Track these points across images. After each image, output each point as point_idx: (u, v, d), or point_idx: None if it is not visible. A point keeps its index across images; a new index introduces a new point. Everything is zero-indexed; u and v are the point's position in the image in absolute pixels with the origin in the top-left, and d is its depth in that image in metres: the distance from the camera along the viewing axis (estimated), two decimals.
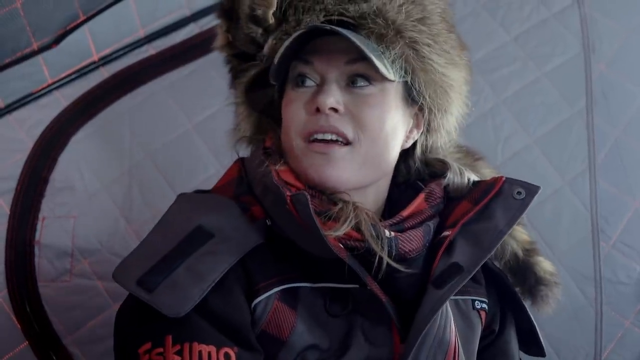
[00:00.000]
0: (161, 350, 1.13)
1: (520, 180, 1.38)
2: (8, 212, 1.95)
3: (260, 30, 1.36)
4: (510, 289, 1.53)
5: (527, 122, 2.21)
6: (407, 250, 1.29)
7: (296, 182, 1.30)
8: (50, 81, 2.00)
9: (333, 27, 1.24)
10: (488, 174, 1.54)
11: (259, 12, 1.34)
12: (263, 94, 1.44)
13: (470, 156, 1.59)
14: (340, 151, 1.28)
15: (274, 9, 1.34)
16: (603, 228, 2.14)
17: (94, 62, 2.05)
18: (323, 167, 1.28)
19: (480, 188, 1.41)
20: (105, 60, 2.06)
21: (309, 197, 1.21)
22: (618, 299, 2.11)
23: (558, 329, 2.08)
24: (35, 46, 1.94)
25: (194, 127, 2.09)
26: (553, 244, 2.12)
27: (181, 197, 1.39)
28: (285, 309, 1.24)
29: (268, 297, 1.24)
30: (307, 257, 1.27)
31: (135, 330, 1.18)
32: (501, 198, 1.36)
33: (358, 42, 1.22)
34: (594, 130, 2.18)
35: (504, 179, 1.39)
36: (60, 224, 1.99)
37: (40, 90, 2.00)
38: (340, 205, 1.27)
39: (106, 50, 2.06)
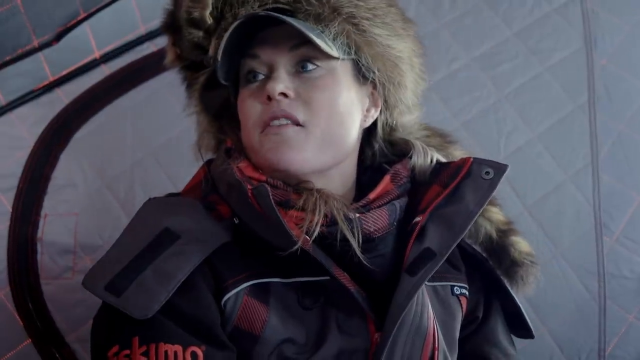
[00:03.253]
0: (128, 352, 1.14)
1: (488, 160, 1.38)
2: (10, 210, 1.95)
3: (201, 34, 1.38)
4: (492, 273, 1.53)
5: (530, 117, 2.20)
6: (371, 230, 1.29)
7: (258, 175, 1.32)
8: (51, 78, 2.00)
9: (269, 13, 1.25)
10: (460, 156, 1.52)
11: (196, 14, 1.35)
12: (217, 95, 1.45)
13: (439, 137, 1.57)
14: (293, 130, 1.28)
15: (210, 9, 1.36)
16: (606, 222, 2.14)
17: (95, 59, 2.05)
18: (278, 148, 1.28)
19: (449, 171, 1.40)
20: (107, 58, 2.06)
21: (269, 188, 1.22)
22: (621, 293, 2.10)
23: (561, 324, 2.09)
24: (35, 43, 1.93)
25: (195, 124, 2.08)
26: (556, 238, 2.12)
27: (149, 201, 1.39)
28: (256, 304, 1.24)
29: (237, 293, 1.24)
30: (275, 251, 1.25)
31: (105, 334, 1.20)
32: (470, 179, 1.36)
33: (295, 24, 1.23)
34: (596, 125, 2.19)
35: (471, 159, 1.38)
36: (62, 221, 1.99)
37: (41, 88, 2.00)
38: (304, 195, 1.28)
39: (107, 47, 2.06)
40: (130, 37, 2.08)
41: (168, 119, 2.09)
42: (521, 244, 1.54)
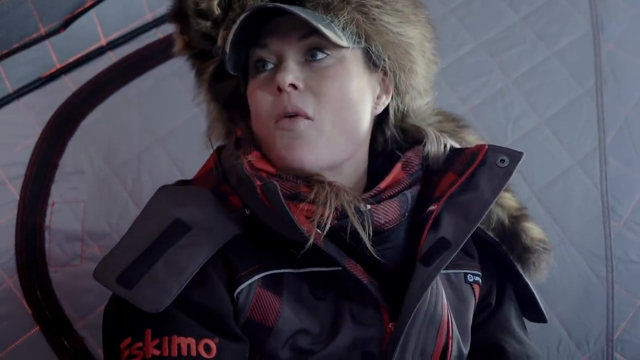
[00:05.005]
0: (140, 344, 1.14)
1: (504, 147, 1.37)
2: (18, 198, 1.95)
3: (209, 24, 1.35)
4: (505, 258, 1.52)
5: (537, 102, 2.20)
6: (382, 222, 1.28)
7: (267, 166, 1.31)
8: (58, 66, 2.00)
9: (276, 4, 1.23)
10: (473, 141, 1.52)
11: (203, 5, 1.33)
12: (226, 85, 1.45)
13: (452, 122, 1.56)
14: (304, 123, 1.27)
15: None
16: (614, 207, 2.13)
17: (102, 47, 2.04)
18: (292, 146, 1.27)
19: (463, 158, 1.39)
20: (113, 45, 2.06)
21: (278, 185, 1.22)
22: (629, 277, 2.10)
23: (569, 308, 2.09)
24: (42, 31, 1.93)
25: (203, 111, 2.07)
26: (564, 223, 2.12)
27: (160, 190, 1.39)
28: (269, 295, 1.24)
29: (250, 284, 1.24)
30: (287, 243, 1.26)
31: (117, 326, 1.20)
32: (485, 167, 1.35)
33: (303, 15, 1.22)
34: (603, 109, 2.18)
35: (486, 147, 1.37)
36: (70, 209, 1.99)
37: (48, 76, 2.00)
38: (315, 188, 1.26)
39: (114, 35, 2.05)
40: (137, 24, 2.08)
41: (175, 106, 2.10)
42: (533, 230, 1.52)
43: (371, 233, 1.26)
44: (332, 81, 1.29)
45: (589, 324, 2.09)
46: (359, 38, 1.30)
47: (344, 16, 1.27)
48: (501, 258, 1.52)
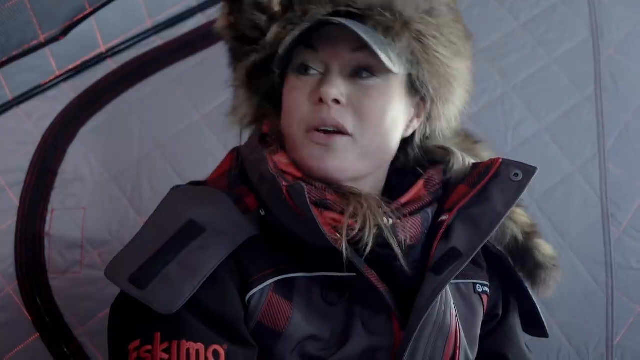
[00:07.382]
0: (149, 347, 1.13)
1: (517, 162, 1.36)
2: (17, 204, 1.95)
3: (264, 17, 1.33)
4: (511, 271, 1.52)
5: (537, 108, 2.20)
6: (404, 238, 1.28)
7: (294, 170, 1.30)
8: (57, 73, 2.00)
9: (340, 20, 1.22)
10: (487, 156, 1.52)
11: (265, 0, 1.32)
12: (266, 80, 1.41)
13: (468, 139, 1.58)
14: (340, 141, 1.27)
15: None
16: (613, 213, 2.14)
17: (101, 54, 2.04)
18: (322, 158, 1.27)
19: (477, 171, 1.39)
20: (113, 52, 2.05)
21: (305, 187, 1.20)
22: (629, 284, 2.11)
23: (569, 315, 2.09)
24: (42, 38, 1.93)
25: (202, 117, 2.09)
26: (563, 229, 2.13)
27: (173, 190, 1.38)
28: (280, 301, 1.24)
29: (262, 289, 1.23)
30: (302, 246, 1.26)
31: (126, 327, 1.19)
32: (498, 180, 1.34)
33: (365, 37, 1.21)
34: (603, 115, 2.19)
35: (500, 160, 1.37)
36: (69, 216, 1.98)
37: (47, 83, 1.99)
38: (352, 204, 1.25)
39: (113, 42, 2.05)
40: (136, 31, 2.07)
41: (174, 112, 2.10)
42: (545, 247, 1.55)
43: (402, 250, 1.26)
44: (375, 101, 1.29)
45: (588, 330, 2.10)
46: (409, 65, 1.30)
47: (402, 42, 1.27)
48: (507, 270, 1.53)
